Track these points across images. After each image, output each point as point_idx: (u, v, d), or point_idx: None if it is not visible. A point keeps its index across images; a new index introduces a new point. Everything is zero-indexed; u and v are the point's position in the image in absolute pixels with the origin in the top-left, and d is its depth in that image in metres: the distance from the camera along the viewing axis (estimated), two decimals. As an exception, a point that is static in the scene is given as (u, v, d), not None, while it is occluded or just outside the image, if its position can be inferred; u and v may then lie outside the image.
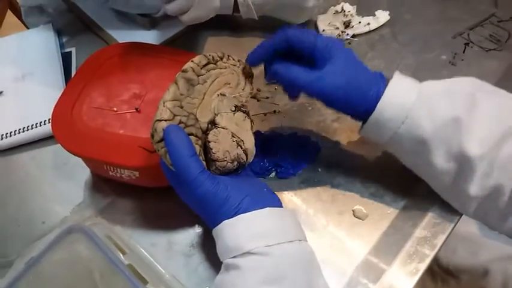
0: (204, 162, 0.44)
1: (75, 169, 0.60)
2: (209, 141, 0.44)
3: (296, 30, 0.48)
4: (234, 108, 0.48)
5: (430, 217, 0.52)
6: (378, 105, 0.45)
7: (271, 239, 0.39)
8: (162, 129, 0.42)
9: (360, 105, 0.47)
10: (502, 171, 0.43)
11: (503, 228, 0.46)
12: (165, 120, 0.42)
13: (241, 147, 0.47)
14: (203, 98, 0.46)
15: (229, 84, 0.48)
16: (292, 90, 0.54)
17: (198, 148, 0.43)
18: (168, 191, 0.51)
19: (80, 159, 0.56)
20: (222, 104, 0.47)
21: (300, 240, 0.41)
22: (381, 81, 0.47)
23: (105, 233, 0.49)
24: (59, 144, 0.51)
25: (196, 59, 0.46)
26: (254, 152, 0.49)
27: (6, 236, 0.55)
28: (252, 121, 0.50)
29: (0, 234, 0.56)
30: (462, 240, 0.86)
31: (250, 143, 0.48)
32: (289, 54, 0.48)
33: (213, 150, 0.44)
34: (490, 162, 0.43)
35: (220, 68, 0.48)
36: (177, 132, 0.41)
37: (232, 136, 0.46)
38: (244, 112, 0.49)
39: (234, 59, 0.50)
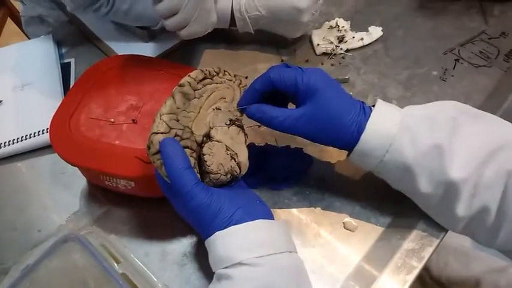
0: (199, 175, 0.45)
1: (72, 178, 0.61)
2: (204, 154, 0.46)
3: (279, 70, 0.49)
4: (228, 122, 0.49)
5: (418, 230, 0.53)
6: (362, 136, 0.47)
7: (262, 250, 0.40)
8: (158, 142, 0.43)
9: (342, 138, 0.48)
10: (486, 192, 0.44)
11: (494, 245, 0.47)
12: (161, 133, 0.43)
13: (235, 160, 0.48)
14: (199, 112, 0.47)
15: (225, 98, 0.50)
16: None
17: (192, 160, 0.44)
18: (163, 202, 0.52)
19: (76, 169, 0.57)
20: (217, 117, 0.48)
21: (290, 252, 0.43)
22: (363, 113, 0.48)
23: (100, 241, 0.50)
24: (57, 154, 0.52)
25: (193, 73, 0.47)
26: (247, 165, 0.50)
27: (2, 243, 0.56)
28: (246, 135, 0.51)
29: (-2, 241, 0.57)
30: (454, 252, 0.87)
31: (243, 156, 0.49)
32: (276, 93, 0.50)
33: (207, 163, 0.45)
34: (474, 184, 0.44)
35: (217, 83, 0.49)
36: (172, 145, 0.42)
37: (227, 149, 0.48)
38: (238, 126, 0.50)
39: (230, 74, 0.51)
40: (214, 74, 0.49)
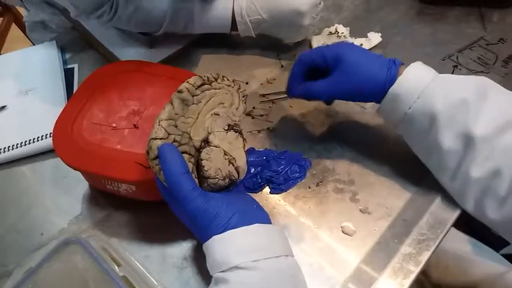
0: (197, 179, 0.45)
1: (74, 182, 0.62)
2: (201, 159, 0.46)
3: (308, 52, 0.58)
4: (227, 127, 0.50)
5: (415, 234, 0.53)
6: (398, 80, 0.51)
7: (258, 254, 0.41)
8: (156, 147, 0.44)
9: (376, 91, 0.53)
10: (502, 156, 0.47)
11: (499, 220, 0.48)
12: (160, 139, 0.44)
13: (233, 165, 0.49)
14: (197, 118, 0.48)
15: (223, 104, 0.50)
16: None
17: (191, 166, 0.45)
18: (163, 206, 0.53)
19: (78, 173, 0.58)
20: (215, 123, 0.49)
21: (286, 256, 0.43)
22: (393, 64, 0.53)
23: (101, 245, 0.51)
24: (59, 158, 0.53)
25: (192, 79, 0.48)
26: (245, 169, 0.51)
27: (5, 246, 0.57)
28: (244, 140, 0.52)
29: (1, 244, 0.57)
30: (453, 258, 0.87)
31: (241, 161, 0.50)
32: (316, 71, 0.57)
33: (205, 168, 0.46)
34: (491, 145, 0.47)
35: (215, 89, 0.50)
36: (171, 151, 0.43)
37: (225, 154, 0.48)
38: (236, 131, 0.51)
39: (229, 80, 0.52)
40: (213, 79, 0.50)
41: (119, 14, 0.69)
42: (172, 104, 0.46)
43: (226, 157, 0.48)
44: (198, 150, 0.47)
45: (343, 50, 0.55)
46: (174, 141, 0.45)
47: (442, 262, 0.85)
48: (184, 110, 0.46)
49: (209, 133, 0.48)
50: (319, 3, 0.71)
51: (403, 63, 0.54)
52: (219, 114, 0.49)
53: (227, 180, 0.48)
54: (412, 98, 0.51)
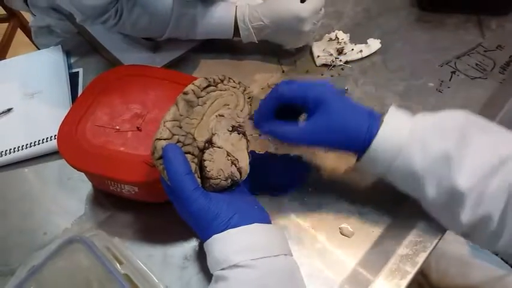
0: (199, 180, 0.47)
1: (78, 184, 0.63)
2: (204, 160, 0.47)
3: (288, 85, 0.51)
4: (231, 129, 0.51)
5: (412, 236, 0.54)
6: (373, 142, 0.48)
7: (257, 253, 0.42)
8: (161, 148, 0.45)
9: (353, 146, 0.50)
10: (490, 202, 0.45)
11: (495, 249, 0.48)
12: (164, 139, 0.45)
13: (236, 166, 0.50)
14: (202, 119, 0.49)
15: (228, 105, 0.51)
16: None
17: (194, 166, 0.46)
18: (165, 206, 0.54)
19: (82, 174, 0.60)
20: (219, 124, 0.50)
21: (285, 255, 0.44)
22: (373, 120, 0.49)
23: (104, 244, 0.52)
24: (64, 160, 0.54)
25: (197, 81, 0.49)
26: (248, 170, 0.51)
27: (9, 245, 0.58)
28: (248, 141, 0.53)
29: (3, 244, 0.59)
30: (453, 261, 0.87)
31: (244, 162, 0.51)
32: (288, 106, 0.52)
33: (208, 169, 0.47)
34: (479, 194, 0.45)
35: (221, 90, 0.50)
36: (174, 151, 0.44)
37: (227, 155, 0.49)
38: (240, 132, 0.52)
39: (234, 82, 0.53)
40: (219, 81, 0.51)
41: (123, 19, 0.70)
42: (177, 105, 0.47)
43: (229, 158, 0.49)
44: (202, 150, 0.48)
45: (328, 97, 0.50)
46: (178, 141, 0.46)
47: (442, 265, 0.86)
48: (189, 111, 0.47)
49: (213, 134, 0.49)
50: (320, 10, 0.72)
51: (382, 114, 0.51)
52: (223, 116, 0.50)
53: (229, 180, 0.48)
54: (390, 159, 0.48)
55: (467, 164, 0.46)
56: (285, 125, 0.52)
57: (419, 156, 0.47)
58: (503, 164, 0.45)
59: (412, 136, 0.48)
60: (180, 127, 0.47)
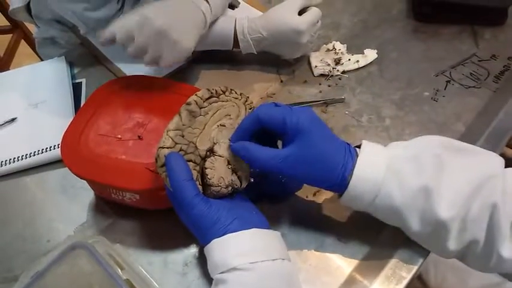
0: (201, 187, 0.48)
1: (80, 191, 0.64)
2: (206, 168, 0.49)
3: (268, 109, 0.49)
4: None
5: (407, 241, 0.55)
6: (351, 182, 0.47)
7: (255, 257, 0.43)
8: (164, 156, 0.47)
9: (328, 180, 0.48)
10: (474, 226, 0.46)
11: (486, 270, 0.49)
12: (167, 148, 0.47)
13: (236, 174, 0.51)
14: (204, 128, 0.50)
15: (230, 115, 0.53)
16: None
17: (195, 173, 0.48)
18: (166, 214, 0.55)
19: (84, 183, 0.61)
20: (221, 133, 0.51)
21: (283, 259, 0.45)
22: (349, 155, 0.48)
23: (106, 250, 0.53)
24: (67, 168, 0.56)
25: (200, 92, 0.50)
26: (249, 178, 0.53)
27: (13, 252, 0.59)
28: None
29: (7, 251, 0.60)
30: (452, 268, 0.88)
31: (245, 170, 0.52)
32: (266, 131, 0.50)
33: (209, 176, 0.49)
34: (462, 221, 0.46)
35: (222, 101, 0.52)
36: (176, 159, 0.46)
37: (228, 163, 0.51)
38: None
39: (236, 93, 0.54)
40: (221, 92, 0.52)
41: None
42: (180, 115, 0.48)
43: (230, 166, 0.50)
44: (203, 159, 0.50)
45: (306, 126, 0.47)
46: (181, 150, 0.47)
47: (440, 272, 0.87)
48: (192, 121, 0.49)
49: (214, 143, 0.51)
50: (317, 22, 0.74)
51: (356, 150, 0.50)
52: (225, 126, 0.52)
53: (230, 188, 0.50)
54: (370, 197, 0.48)
55: (446, 194, 0.46)
56: (259, 148, 0.48)
57: (398, 192, 0.47)
58: (481, 187, 0.46)
59: (389, 173, 0.47)
60: (183, 136, 0.48)
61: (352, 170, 0.47)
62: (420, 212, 0.47)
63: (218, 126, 0.51)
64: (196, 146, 0.49)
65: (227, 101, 0.52)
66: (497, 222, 0.44)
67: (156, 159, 0.48)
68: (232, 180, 0.50)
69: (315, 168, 0.48)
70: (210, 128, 0.51)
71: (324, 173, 0.48)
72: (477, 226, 0.45)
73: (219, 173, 0.49)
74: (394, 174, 0.48)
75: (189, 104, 0.49)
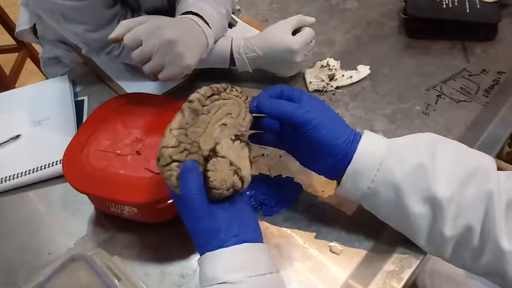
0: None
1: (81, 206, 0.66)
2: (208, 171, 0.48)
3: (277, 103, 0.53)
4: (233, 138, 0.52)
5: (398, 252, 0.57)
6: (354, 156, 0.51)
7: (245, 272, 0.45)
8: (168, 155, 0.46)
9: (337, 146, 0.52)
10: (469, 211, 0.48)
11: (478, 268, 0.50)
12: (171, 147, 0.46)
13: (238, 175, 0.51)
14: (206, 127, 0.50)
15: (231, 114, 0.52)
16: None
17: None
18: (163, 227, 0.57)
19: (85, 197, 0.63)
20: (223, 133, 0.51)
21: (271, 273, 0.47)
22: (356, 133, 0.53)
23: (104, 262, 0.55)
24: (67, 183, 0.58)
25: (202, 90, 0.50)
26: (250, 179, 0.52)
27: (16, 265, 0.61)
28: (250, 150, 0.54)
29: (10, 263, 0.62)
30: (447, 279, 0.89)
31: (246, 170, 0.52)
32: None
33: (211, 179, 0.48)
34: (457, 203, 0.48)
35: (224, 99, 0.52)
36: (193, 170, 0.46)
37: (230, 164, 0.50)
38: (243, 141, 0.53)
39: (237, 90, 0.54)
40: (222, 90, 0.51)
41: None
42: (183, 113, 0.48)
43: (232, 167, 0.50)
44: (206, 159, 0.49)
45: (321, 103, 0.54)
46: (185, 149, 0.47)
47: (436, 284, 0.87)
48: (195, 119, 0.48)
49: (217, 143, 0.50)
50: (311, 42, 0.76)
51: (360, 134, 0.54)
52: (227, 125, 0.51)
53: (231, 189, 0.50)
54: (373, 171, 0.51)
55: (442, 174, 0.49)
56: (283, 101, 0.53)
57: (398, 167, 0.50)
58: (475, 173, 0.48)
59: (390, 151, 0.51)
60: (186, 135, 0.47)
61: (356, 146, 0.52)
62: (419, 189, 0.49)
63: (220, 125, 0.51)
64: (199, 146, 0.48)
65: (228, 98, 0.52)
66: (493, 212, 0.46)
67: (158, 158, 0.47)
68: (234, 181, 0.50)
69: (331, 121, 0.52)
70: (212, 126, 0.50)
71: (337, 130, 0.52)
72: (473, 212, 0.47)
73: (221, 175, 0.49)
74: (394, 150, 0.52)
75: (191, 101, 0.48)
